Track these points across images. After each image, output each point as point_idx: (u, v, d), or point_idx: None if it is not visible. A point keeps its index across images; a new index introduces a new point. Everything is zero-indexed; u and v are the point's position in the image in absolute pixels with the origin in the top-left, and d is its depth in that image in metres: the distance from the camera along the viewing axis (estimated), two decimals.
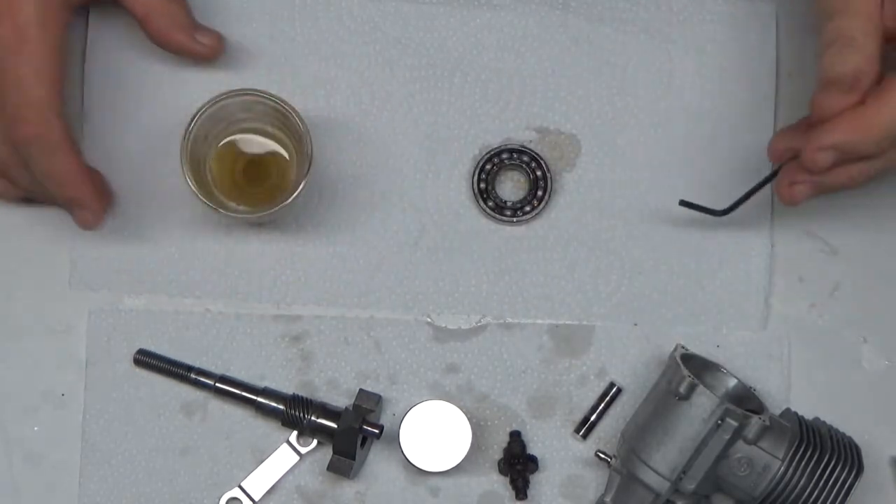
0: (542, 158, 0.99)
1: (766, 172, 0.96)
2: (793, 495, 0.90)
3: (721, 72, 1.01)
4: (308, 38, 1.00)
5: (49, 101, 0.86)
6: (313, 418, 0.96)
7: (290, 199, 0.91)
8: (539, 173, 0.99)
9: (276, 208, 0.91)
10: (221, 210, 0.92)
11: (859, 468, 0.92)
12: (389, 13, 1.00)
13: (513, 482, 0.97)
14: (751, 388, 0.96)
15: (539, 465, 0.98)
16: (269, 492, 0.97)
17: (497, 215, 0.99)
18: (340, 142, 1.00)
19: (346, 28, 1.00)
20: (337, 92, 1.00)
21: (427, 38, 1.00)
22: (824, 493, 0.90)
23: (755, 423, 0.90)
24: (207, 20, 0.98)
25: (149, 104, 0.99)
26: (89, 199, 0.91)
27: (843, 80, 0.86)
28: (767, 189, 0.96)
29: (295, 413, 0.96)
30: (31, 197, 0.93)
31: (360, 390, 0.96)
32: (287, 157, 0.96)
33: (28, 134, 0.86)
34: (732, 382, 0.96)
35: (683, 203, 0.96)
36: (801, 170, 0.90)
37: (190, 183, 0.90)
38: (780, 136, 0.94)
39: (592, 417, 0.98)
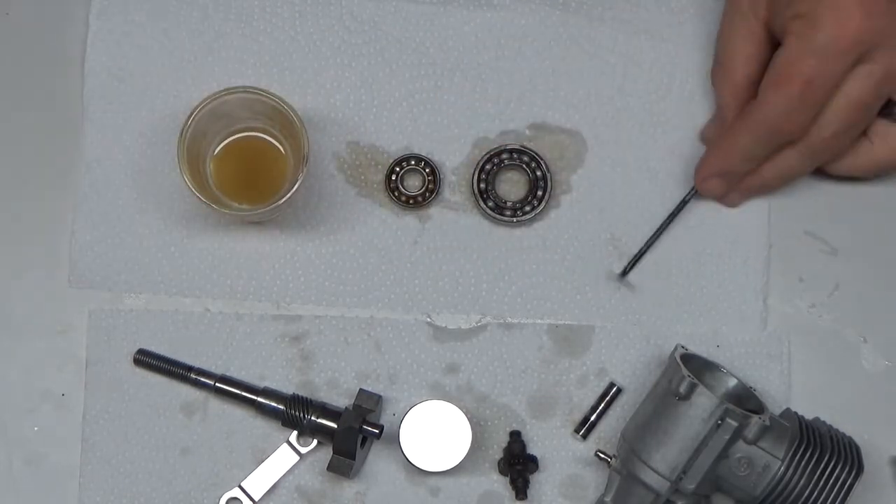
0: (541, 158, 0.99)
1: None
2: (793, 495, 0.90)
3: None
4: (308, 38, 1.00)
5: None
6: (313, 418, 0.95)
7: (284, 198, 0.91)
8: (539, 173, 0.99)
9: (271, 206, 0.91)
10: (217, 207, 0.92)
11: (859, 468, 0.92)
12: (389, 13, 1.00)
13: (513, 482, 0.97)
14: (751, 388, 0.96)
15: (539, 465, 0.97)
16: (269, 492, 0.97)
17: (497, 215, 0.99)
18: (340, 141, 1.00)
19: (346, 28, 1.00)
20: (337, 91, 1.00)
21: (427, 38, 1.00)
22: (824, 493, 0.90)
23: (755, 423, 0.90)
24: (208, 19, 0.99)
25: (149, 103, 0.99)
26: None
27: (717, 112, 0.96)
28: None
29: (295, 413, 0.96)
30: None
31: (360, 390, 0.96)
32: (285, 155, 0.96)
33: None
34: (732, 382, 0.96)
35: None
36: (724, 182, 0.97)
37: (186, 180, 0.90)
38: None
39: (592, 417, 0.98)
